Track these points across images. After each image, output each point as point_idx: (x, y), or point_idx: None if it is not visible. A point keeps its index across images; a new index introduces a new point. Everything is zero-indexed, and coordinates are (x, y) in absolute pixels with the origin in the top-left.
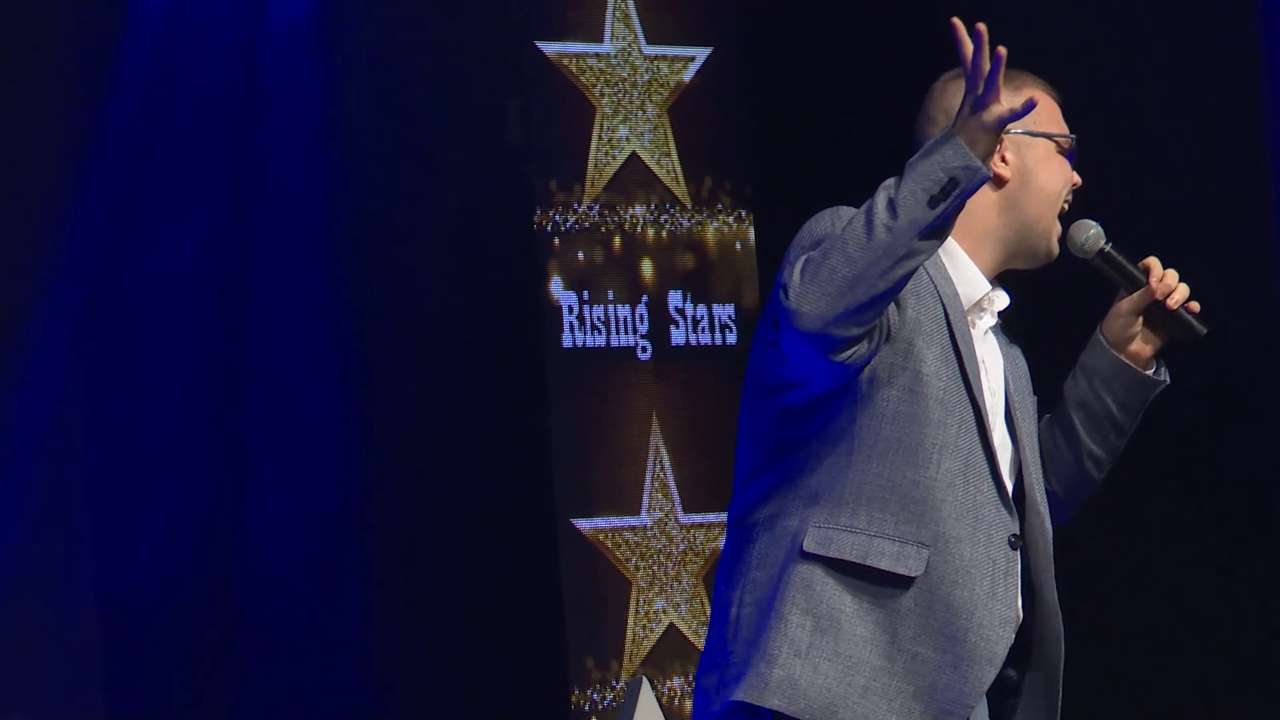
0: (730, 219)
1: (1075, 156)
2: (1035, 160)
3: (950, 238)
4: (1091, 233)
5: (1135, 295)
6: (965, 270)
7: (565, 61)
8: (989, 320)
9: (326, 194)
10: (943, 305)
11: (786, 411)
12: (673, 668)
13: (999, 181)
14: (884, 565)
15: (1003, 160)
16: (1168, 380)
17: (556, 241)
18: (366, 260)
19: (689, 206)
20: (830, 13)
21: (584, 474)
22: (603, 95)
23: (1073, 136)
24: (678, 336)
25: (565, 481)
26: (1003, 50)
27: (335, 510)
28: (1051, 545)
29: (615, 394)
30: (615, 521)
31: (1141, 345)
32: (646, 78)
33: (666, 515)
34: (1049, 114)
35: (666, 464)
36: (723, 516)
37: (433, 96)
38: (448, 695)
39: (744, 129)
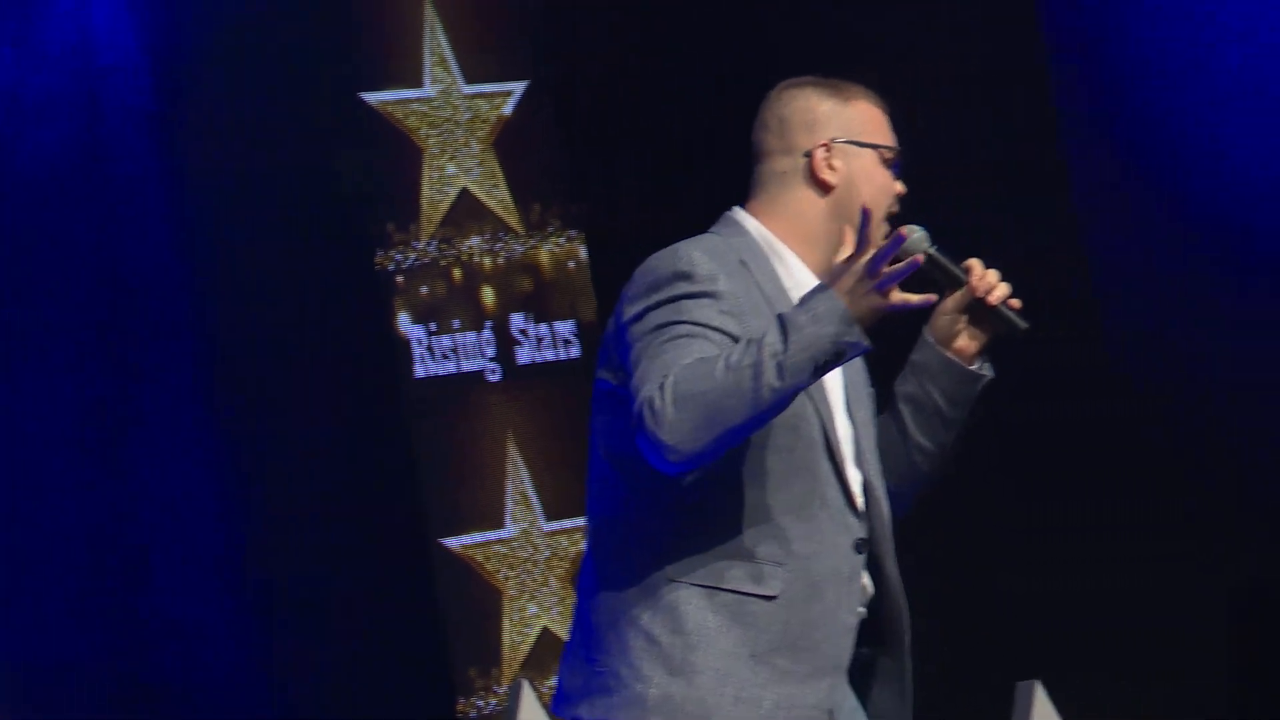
0: (561, 239)
1: (900, 167)
2: (861, 169)
3: (782, 242)
4: (915, 236)
5: (958, 294)
6: (800, 275)
7: (389, 108)
8: None
9: (185, 261)
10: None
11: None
12: (550, 668)
13: (827, 188)
14: (745, 588)
15: (830, 168)
16: (991, 374)
17: (400, 279)
18: (230, 317)
19: (521, 232)
20: (634, 32)
21: (449, 495)
22: (428, 137)
23: (897, 148)
24: (523, 356)
25: (433, 504)
26: (904, 230)
27: (219, 549)
28: (891, 528)
29: (470, 417)
30: (482, 537)
31: (966, 341)
32: (468, 115)
33: (530, 526)
34: (876, 125)
35: (525, 477)
36: (583, 521)
37: (272, 156)
38: (339, 715)
39: (566, 153)
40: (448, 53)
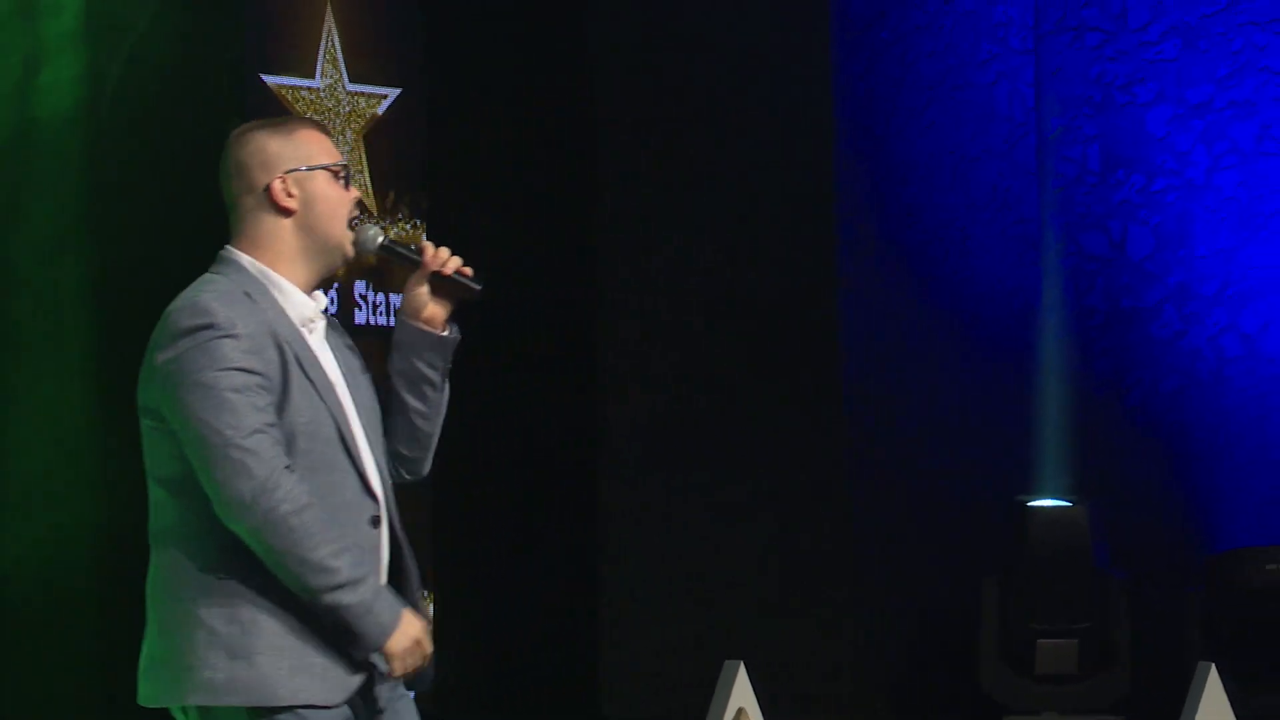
0: (408, 225)
1: (350, 178)
2: (315, 190)
3: (269, 269)
4: (370, 233)
5: (417, 272)
6: (293, 296)
7: (283, 91)
8: (320, 325)
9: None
10: (289, 349)
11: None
12: None
13: (289, 213)
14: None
15: (289, 195)
16: (458, 336)
17: None
18: (129, 247)
19: (375, 214)
20: (496, 61)
21: None
22: None
23: (343, 164)
24: (360, 318)
25: None
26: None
27: None
28: (392, 492)
29: None
30: None
31: (434, 311)
32: (348, 109)
33: None
34: (320, 149)
35: None
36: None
37: (171, 120)
38: None
39: (423, 154)
40: (339, 53)
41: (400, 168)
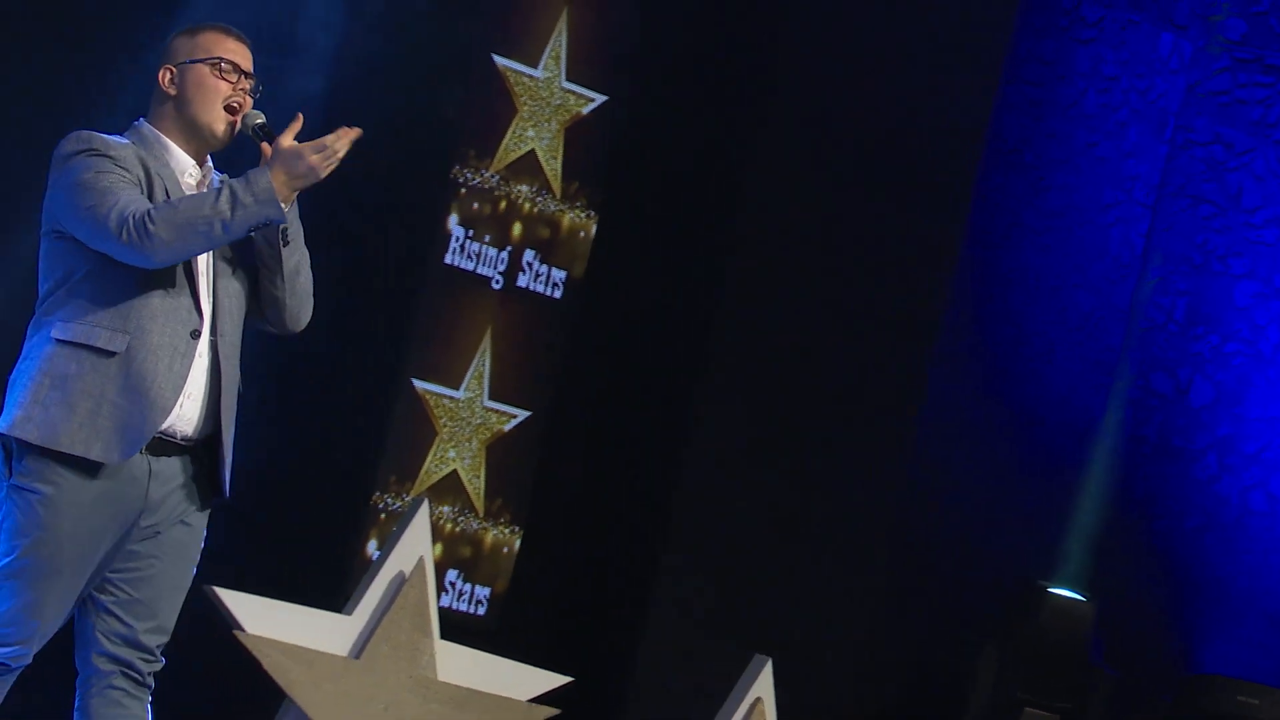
0: (583, 215)
1: (229, 68)
2: (193, 80)
3: (165, 135)
4: (249, 115)
5: (266, 159)
6: (174, 151)
7: (508, 73)
8: (195, 181)
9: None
10: (158, 179)
11: (62, 259)
12: (446, 499)
13: (168, 96)
14: (98, 343)
15: (171, 84)
16: (282, 218)
17: (462, 190)
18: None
19: (558, 197)
20: (685, 83)
21: (432, 351)
22: (525, 104)
23: (219, 58)
24: (522, 280)
25: (417, 354)
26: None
27: None
28: (236, 338)
29: (468, 304)
30: (440, 389)
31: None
32: (558, 102)
33: (475, 396)
34: (211, 45)
35: (487, 362)
36: (515, 410)
37: (404, 83)
38: (297, 487)
39: (611, 157)
40: (563, 51)
41: (588, 162)
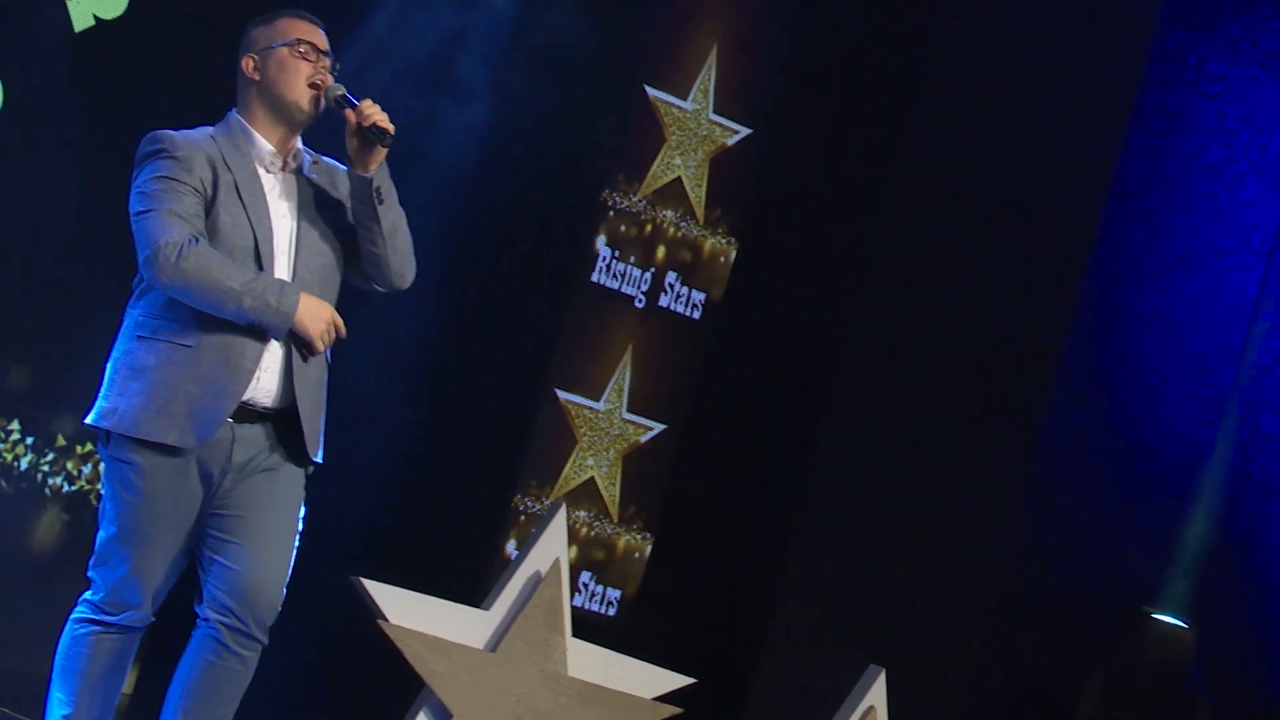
0: (724, 240)
1: (307, 49)
2: (274, 64)
3: (247, 123)
4: (330, 88)
5: (349, 127)
6: (257, 141)
7: (658, 104)
8: (279, 166)
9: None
10: (227, 174)
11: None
12: (582, 503)
13: (252, 82)
14: (172, 337)
15: (255, 71)
16: (370, 178)
17: (611, 213)
18: (490, 199)
19: (700, 223)
20: (822, 123)
21: (574, 365)
22: (673, 134)
23: (296, 39)
24: (664, 301)
25: (561, 363)
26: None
27: None
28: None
29: (612, 321)
30: (581, 400)
31: (365, 159)
32: (704, 133)
33: (615, 408)
34: (288, 29)
35: (627, 376)
36: (651, 423)
37: (560, 110)
38: (442, 487)
39: (752, 188)
40: (711, 86)
41: (731, 191)
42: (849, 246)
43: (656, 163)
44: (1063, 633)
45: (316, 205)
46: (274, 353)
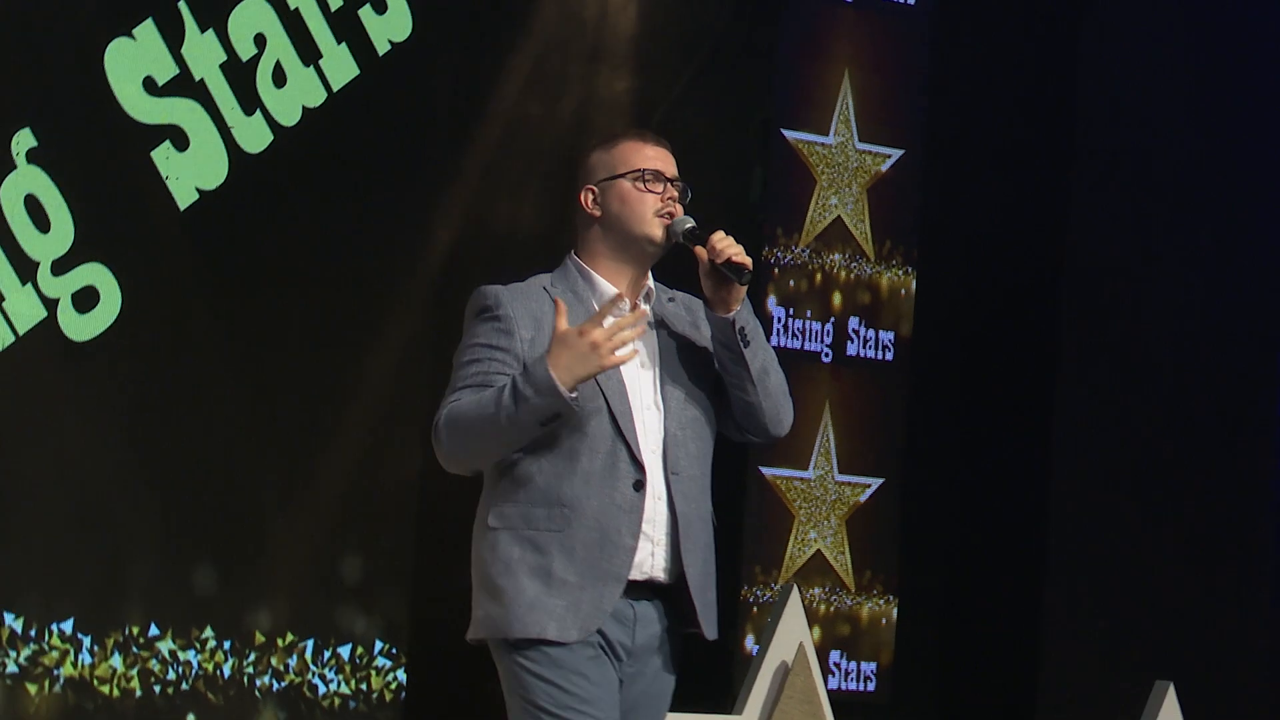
0: (900, 272)
1: (652, 178)
2: (616, 196)
3: (587, 266)
4: (678, 221)
5: (701, 264)
6: (600, 286)
7: (800, 145)
8: (628, 306)
9: None
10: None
11: None
12: (815, 581)
13: (594, 218)
14: (536, 525)
15: (595, 205)
16: (732, 318)
17: (776, 271)
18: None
19: (872, 259)
20: (986, 125)
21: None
22: (822, 173)
23: (641, 168)
24: (851, 349)
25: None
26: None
27: None
28: (696, 471)
29: (802, 384)
30: (789, 472)
31: (714, 295)
32: (855, 165)
33: (826, 473)
34: (630, 155)
35: (831, 437)
36: (868, 479)
37: (697, 165)
38: None
39: (919, 210)
40: (851, 115)
41: (897, 220)
42: (1038, 251)
43: (812, 207)
44: None
45: (679, 352)
46: (657, 520)
